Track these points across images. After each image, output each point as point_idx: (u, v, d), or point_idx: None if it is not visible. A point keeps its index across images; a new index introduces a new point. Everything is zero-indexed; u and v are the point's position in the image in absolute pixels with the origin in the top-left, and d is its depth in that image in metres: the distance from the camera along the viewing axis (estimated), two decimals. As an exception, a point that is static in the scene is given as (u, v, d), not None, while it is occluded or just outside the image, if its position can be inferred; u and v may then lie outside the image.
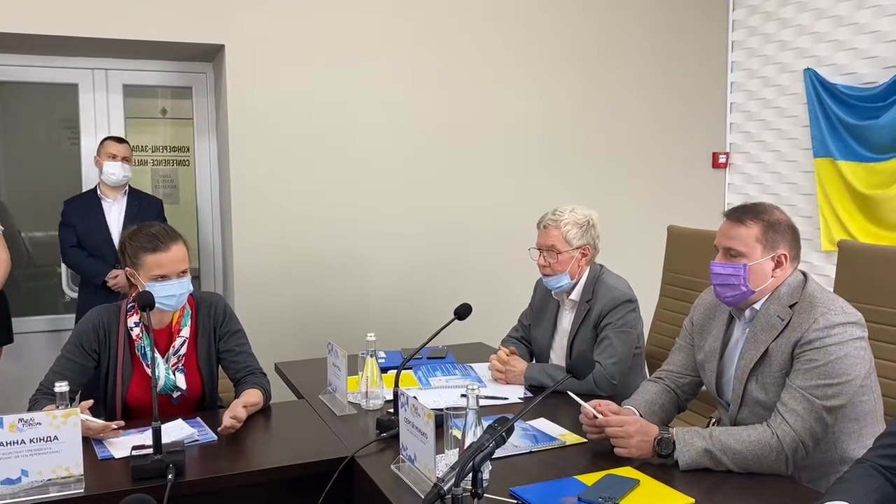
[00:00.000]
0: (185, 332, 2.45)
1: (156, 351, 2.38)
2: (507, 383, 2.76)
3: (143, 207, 3.94)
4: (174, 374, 2.41)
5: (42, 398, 2.30)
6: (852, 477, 1.60)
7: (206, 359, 2.49)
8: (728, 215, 2.12)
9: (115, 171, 3.84)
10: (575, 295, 2.83)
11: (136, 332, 2.40)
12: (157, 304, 2.31)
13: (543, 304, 3.00)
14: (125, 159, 3.86)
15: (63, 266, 4.24)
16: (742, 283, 2.04)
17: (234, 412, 2.23)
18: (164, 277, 2.32)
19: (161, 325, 2.43)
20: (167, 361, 2.41)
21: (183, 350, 2.44)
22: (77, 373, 2.36)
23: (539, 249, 2.82)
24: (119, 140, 3.91)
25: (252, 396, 2.39)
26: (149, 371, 2.35)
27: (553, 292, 2.90)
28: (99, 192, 3.91)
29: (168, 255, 2.33)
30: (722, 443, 1.93)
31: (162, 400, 2.35)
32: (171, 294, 2.33)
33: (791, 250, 2.06)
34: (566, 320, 2.88)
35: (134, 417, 2.37)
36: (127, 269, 2.39)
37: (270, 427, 2.39)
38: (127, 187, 3.97)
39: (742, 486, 1.86)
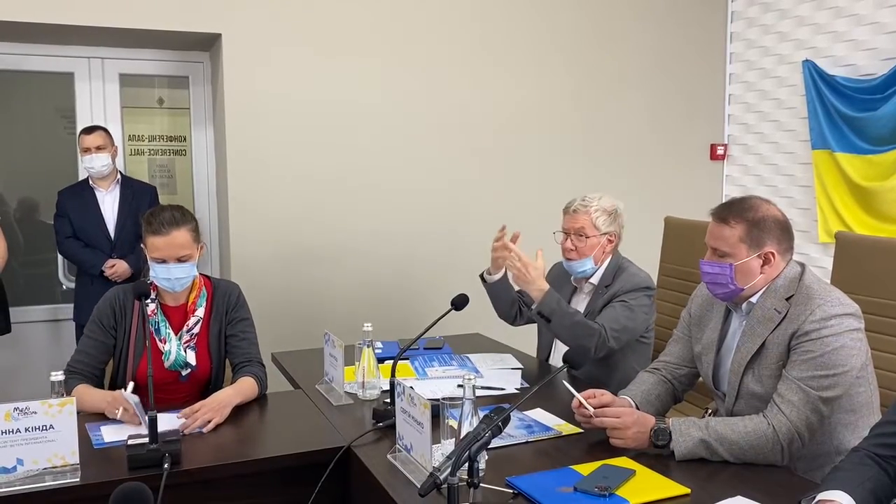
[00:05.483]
0: (201, 311, 2.52)
1: (169, 327, 2.46)
2: (526, 282, 2.69)
3: (137, 196, 3.91)
4: (185, 350, 2.47)
5: (70, 378, 2.33)
6: (848, 466, 1.61)
7: (216, 341, 2.54)
8: (714, 214, 2.10)
9: (93, 163, 3.79)
10: (594, 279, 2.85)
11: (151, 307, 2.46)
12: (157, 284, 2.42)
13: (557, 289, 2.99)
14: (99, 148, 3.79)
15: (59, 256, 4.23)
16: (730, 282, 2.04)
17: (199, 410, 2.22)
18: (162, 261, 2.38)
19: (177, 302, 2.50)
20: (180, 339, 2.46)
21: (196, 329, 2.50)
22: (99, 350, 2.45)
23: (566, 233, 2.83)
24: (91, 130, 3.82)
25: (244, 385, 2.41)
26: (161, 347, 2.43)
27: (573, 277, 2.91)
28: (91, 183, 3.88)
29: (165, 239, 2.37)
30: (718, 433, 1.93)
31: (171, 377, 2.44)
32: (168, 277, 2.39)
33: (780, 245, 2.04)
34: (581, 305, 2.89)
35: (142, 395, 2.37)
36: (143, 245, 2.46)
37: (267, 417, 2.39)
38: (119, 176, 3.94)
39: (738, 477, 1.86)
